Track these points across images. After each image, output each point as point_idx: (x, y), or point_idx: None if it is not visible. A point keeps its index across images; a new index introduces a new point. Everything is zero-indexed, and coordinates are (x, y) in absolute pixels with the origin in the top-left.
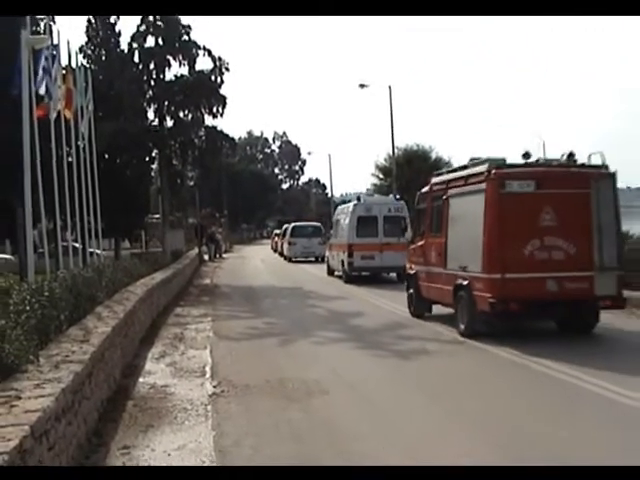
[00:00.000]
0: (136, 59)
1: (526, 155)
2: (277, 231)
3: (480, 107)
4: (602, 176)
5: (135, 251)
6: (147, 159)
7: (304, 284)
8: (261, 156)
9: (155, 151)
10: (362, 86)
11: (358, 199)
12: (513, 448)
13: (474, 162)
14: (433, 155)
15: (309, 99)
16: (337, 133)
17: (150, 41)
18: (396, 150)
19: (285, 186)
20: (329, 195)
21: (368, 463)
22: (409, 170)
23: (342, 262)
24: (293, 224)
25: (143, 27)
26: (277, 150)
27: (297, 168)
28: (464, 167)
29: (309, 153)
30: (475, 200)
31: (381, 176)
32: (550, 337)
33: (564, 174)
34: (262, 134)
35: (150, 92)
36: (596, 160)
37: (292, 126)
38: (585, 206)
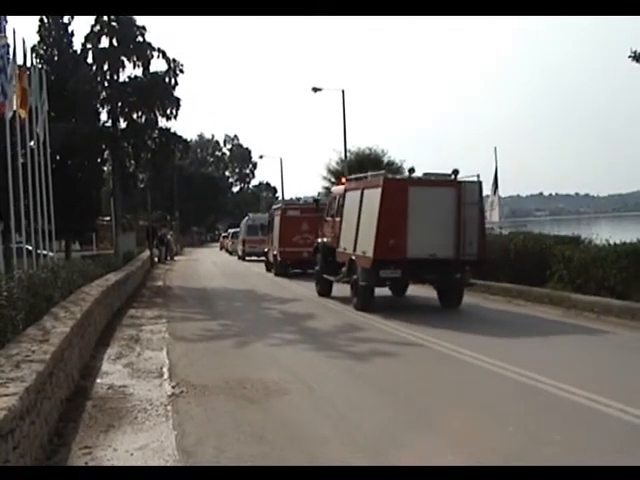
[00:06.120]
0: (90, 60)
1: (299, 200)
2: (224, 234)
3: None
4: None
5: (86, 253)
6: (99, 160)
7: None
8: (212, 159)
9: (107, 153)
10: (315, 90)
11: (248, 216)
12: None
13: (278, 202)
14: (385, 159)
15: (261, 102)
16: (289, 136)
17: (104, 42)
18: (348, 154)
19: (236, 189)
20: (279, 198)
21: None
22: (361, 173)
23: (240, 249)
24: (234, 230)
25: (97, 27)
26: (228, 153)
27: (248, 171)
28: (280, 203)
29: (260, 156)
30: (278, 219)
31: (333, 179)
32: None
33: (311, 207)
34: (213, 137)
35: (104, 93)
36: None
37: (243, 129)
38: (319, 220)
